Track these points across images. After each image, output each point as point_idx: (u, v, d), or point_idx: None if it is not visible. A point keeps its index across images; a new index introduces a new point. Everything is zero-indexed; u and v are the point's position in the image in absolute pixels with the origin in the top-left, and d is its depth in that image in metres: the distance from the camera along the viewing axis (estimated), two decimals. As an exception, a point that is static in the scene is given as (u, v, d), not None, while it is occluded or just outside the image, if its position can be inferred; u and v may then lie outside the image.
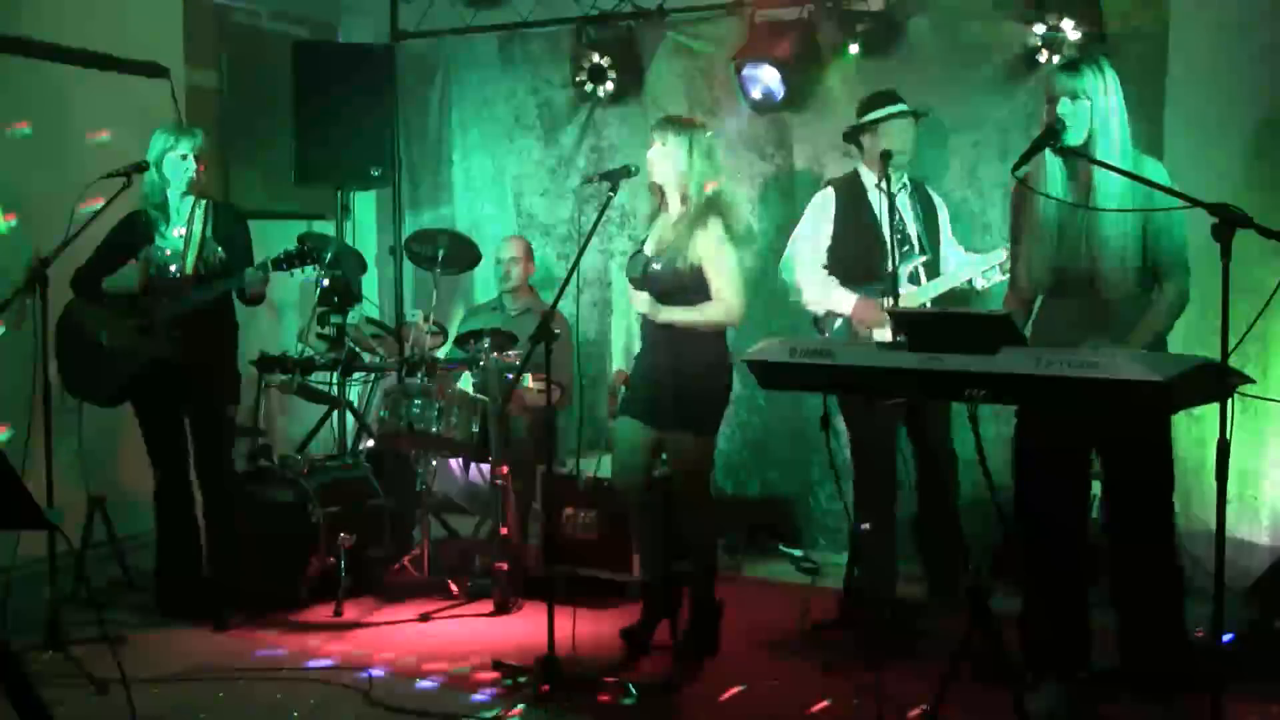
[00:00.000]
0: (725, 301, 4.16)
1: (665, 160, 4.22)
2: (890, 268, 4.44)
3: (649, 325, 4.34)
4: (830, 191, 4.75)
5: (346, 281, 5.67)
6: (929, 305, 4.61)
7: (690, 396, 4.20)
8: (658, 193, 4.34)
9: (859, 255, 4.63)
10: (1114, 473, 3.76)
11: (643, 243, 4.39)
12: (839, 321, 4.66)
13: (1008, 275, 4.30)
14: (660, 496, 4.42)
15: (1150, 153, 3.76)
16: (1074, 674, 3.68)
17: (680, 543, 4.41)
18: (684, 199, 4.24)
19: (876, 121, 4.64)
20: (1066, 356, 2.99)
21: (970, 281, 4.65)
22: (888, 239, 4.51)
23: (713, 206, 4.19)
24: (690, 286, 4.17)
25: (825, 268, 4.69)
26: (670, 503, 4.39)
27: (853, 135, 4.78)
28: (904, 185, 4.65)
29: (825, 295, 4.68)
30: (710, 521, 4.41)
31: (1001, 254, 4.48)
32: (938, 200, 4.84)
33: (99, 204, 4.46)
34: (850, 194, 4.68)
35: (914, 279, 4.61)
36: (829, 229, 4.70)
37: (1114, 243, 3.56)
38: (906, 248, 4.59)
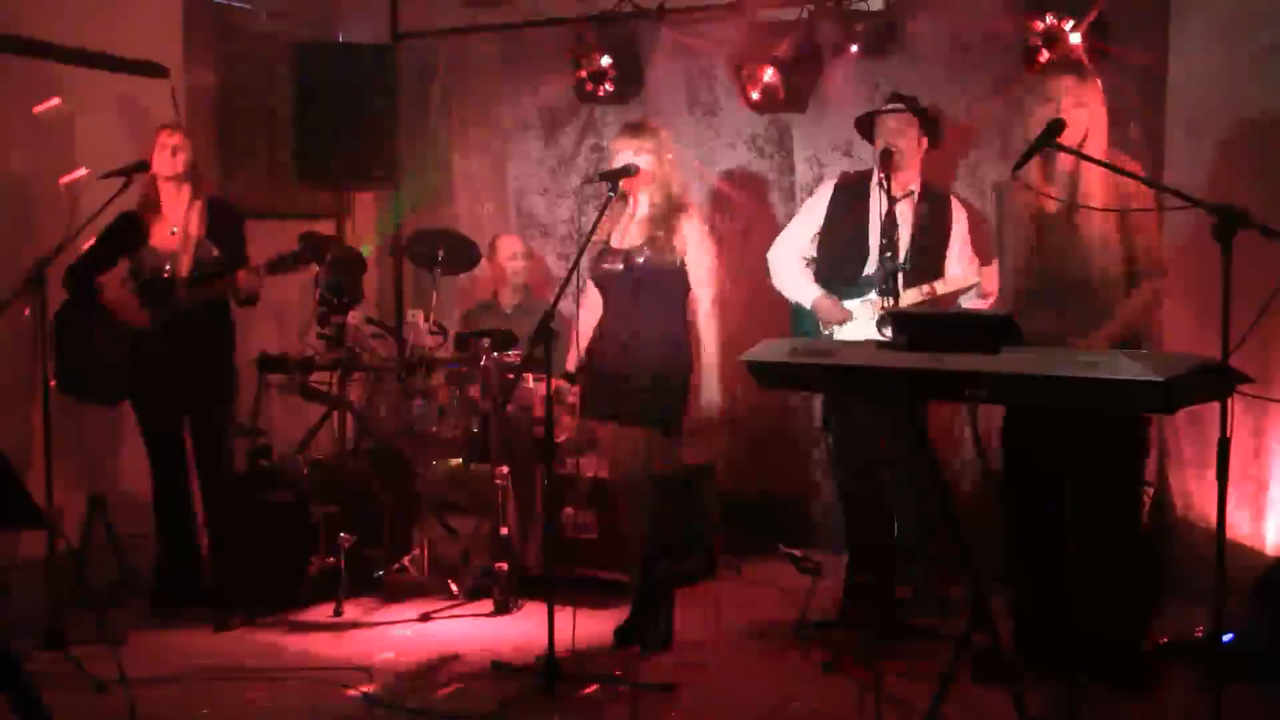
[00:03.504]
0: (704, 300, 4.37)
1: (642, 166, 4.33)
2: (868, 269, 4.51)
3: (624, 324, 4.37)
4: (831, 185, 4.79)
5: (346, 281, 5.66)
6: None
7: (649, 392, 4.28)
8: (621, 194, 4.40)
9: (840, 252, 4.65)
10: (1082, 488, 3.79)
11: (605, 242, 4.43)
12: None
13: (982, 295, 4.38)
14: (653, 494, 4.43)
15: (1150, 153, 3.78)
16: (1072, 673, 3.69)
17: (677, 541, 4.42)
18: (654, 202, 4.36)
19: (872, 118, 4.66)
20: (1067, 356, 3.00)
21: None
22: (870, 240, 4.52)
23: (682, 204, 4.41)
24: (670, 279, 4.34)
25: (807, 259, 4.75)
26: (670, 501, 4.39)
27: (866, 135, 4.79)
28: (910, 191, 4.61)
29: (793, 284, 4.76)
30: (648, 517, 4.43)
31: (975, 278, 4.45)
32: (957, 211, 4.67)
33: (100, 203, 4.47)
34: (851, 191, 4.68)
35: (887, 289, 4.55)
36: (819, 219, 4.74)
37: (1095, 244, 3.61)
38: (889, 253, 4.54)
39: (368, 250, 6.56)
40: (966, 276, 4.49)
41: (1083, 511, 3.81)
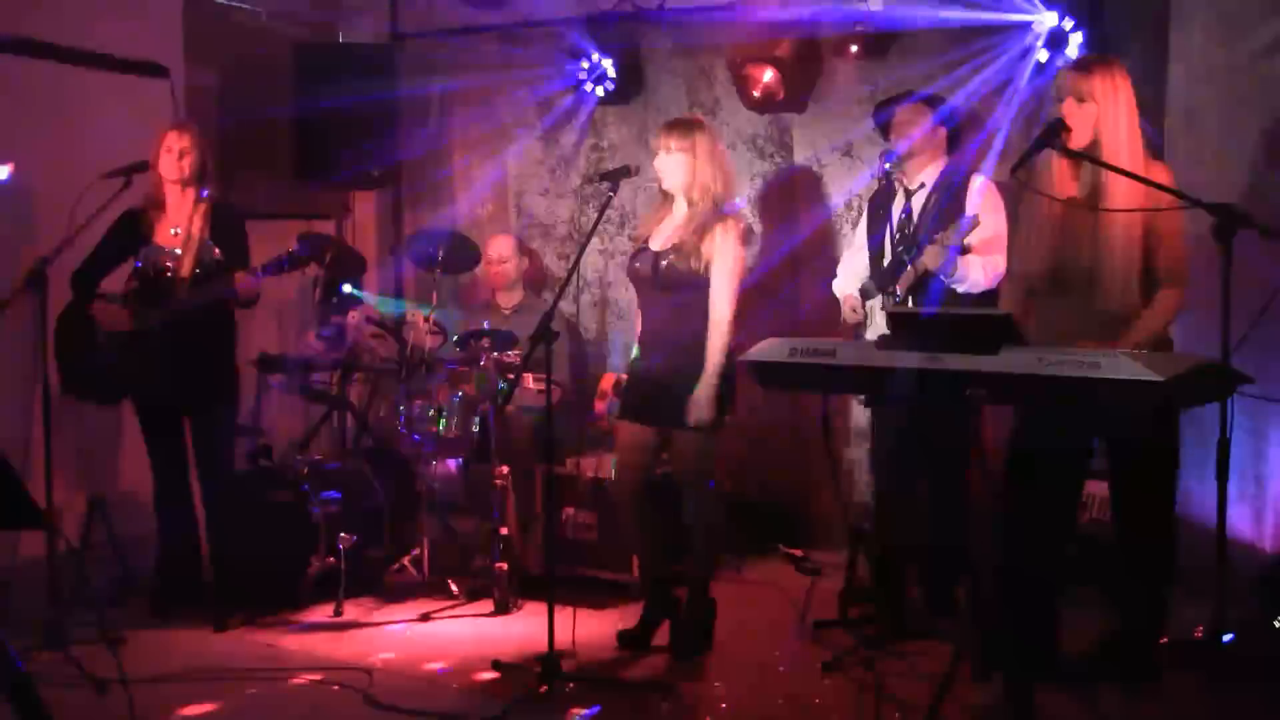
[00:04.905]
0: (721, 309, 4.21)
1: (673, 167, 4.27)
2: (884, 265, 4.50)
3: (655, 326, 4.36)
4: (871, 193, 4.80)
5: (345, 280, 5.68)
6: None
7: (687, 394, 4.20)
8: (665, 196, 4.37)
9: (873, 257, 4.66)
10: (1117, 465, 3.78)
11: (645, 240, 4.40)
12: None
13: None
14: (662, 496, 4.42)
15: (1151, 152, 3.75)
16: (1033, 674, 3.65)
17: (680, 542, 4.41)
18: (691, 202, 4.28)
19: (884, 119, 4.67)
20: (1067, 356, 2.99)
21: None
22: (886, 237, 4.53)
23: (719, 205, 4.26)
24: (698, 285, 4.23)
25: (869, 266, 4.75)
26: (672, 502, 4.39)
27: (884, 133, 4.78)
28: (922, 184, 4.59)
29: (838, 288, 4.79)
30: (713, 522, 4.42)
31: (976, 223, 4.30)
32: (974, 196, 4.50)
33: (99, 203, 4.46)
34: (880, 198, 4.69)
35: (888, 281, 4.54)
36: (862, 236, 4.76)
37: (1117, 246, 3.56)
38: (902, 247, 4.55)
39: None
40: (945, 241, 4.28)
41: (1119, 499, 3.82)
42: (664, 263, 4.26)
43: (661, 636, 4.42)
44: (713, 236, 4.21)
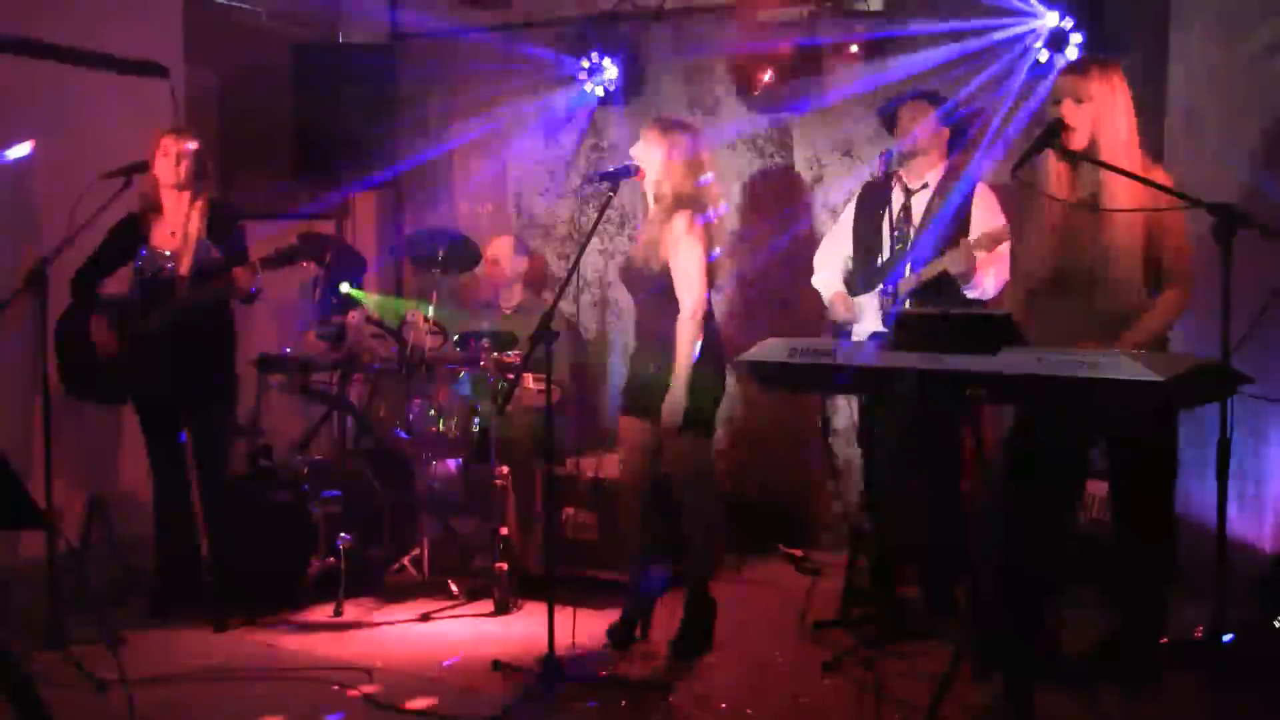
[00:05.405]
0: (684, 305, 4.21)
1: (642, 161, 4.29)
2: (880, 263, 4.51)
3: (637, 327, 4.42)
4: (862, 185, 4.79)
5: (345, 280, 5.68)
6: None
7: (660, 390, 4.23)
8: (642, 196, 4.41)
9: (861, 251, 4.65)
10: (1117, 465, 3.78)
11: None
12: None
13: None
14: (659, 495, 4.42)
15: (1150, 155, 3.75)
16: (1028, 672, 3.66)
17: (680, 542, 4.42)
18: (658, 199, 4.31)
19: (890, 116, 4.67)
20: (1067, 356, 2.99)
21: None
22: (885, 235, 4.52)
23: (680, 203, 4.25)
24: (657, 285, 4.26)
25: (852, 258, 4.73)
26: (669, 502, 4.39)
27: (890, 129, 4.78)
28: (925, 184, 4.59)
29: (822, 285, 4.78)
30: (711, 522, 4.42)
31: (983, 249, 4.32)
32: (981, 198, 4.49)
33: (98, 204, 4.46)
34: (874, 192, 4.69)
35: (889, 281, 4.55)
36: (847, 227, 4.75)
37: (1120, 247, 3.56)
38: (899, 246, 4.55)
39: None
40: (974, 248, 4.28)
41: (1118, 499, 3.83)
42: (634, 267, 4.33)
43: (660, 635, 4.42)
44: (665, 234, 4.23)
